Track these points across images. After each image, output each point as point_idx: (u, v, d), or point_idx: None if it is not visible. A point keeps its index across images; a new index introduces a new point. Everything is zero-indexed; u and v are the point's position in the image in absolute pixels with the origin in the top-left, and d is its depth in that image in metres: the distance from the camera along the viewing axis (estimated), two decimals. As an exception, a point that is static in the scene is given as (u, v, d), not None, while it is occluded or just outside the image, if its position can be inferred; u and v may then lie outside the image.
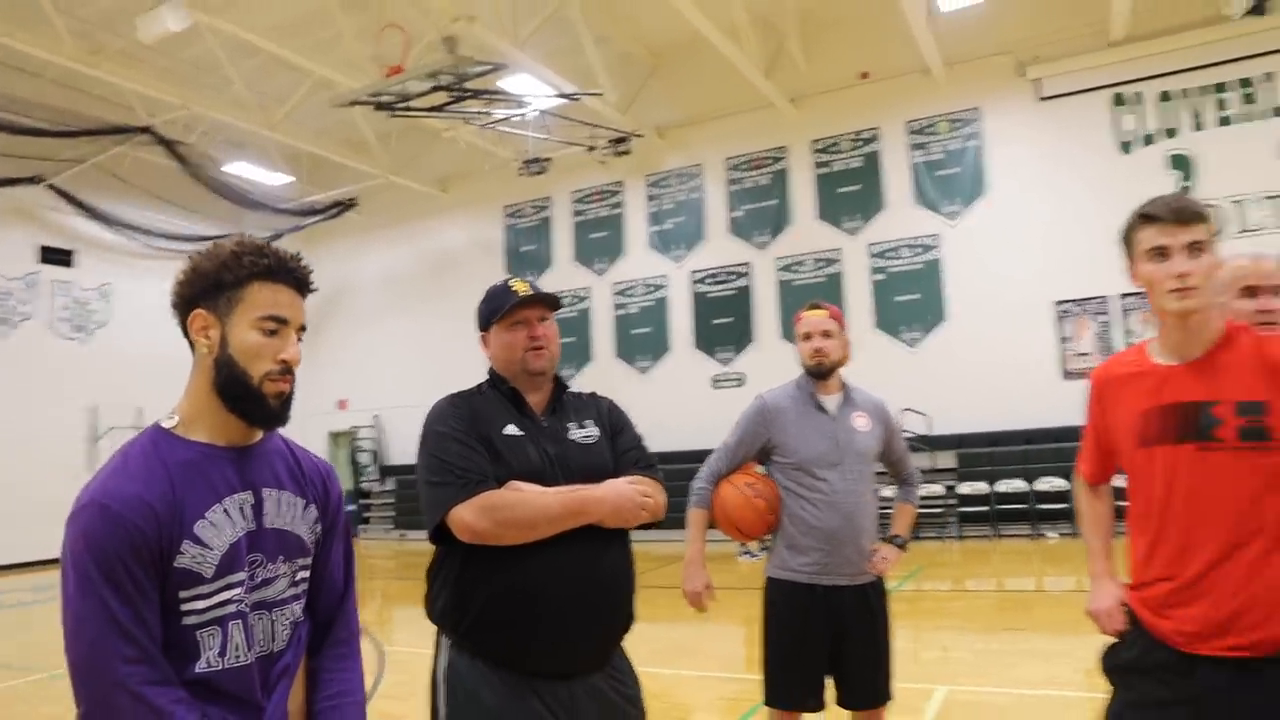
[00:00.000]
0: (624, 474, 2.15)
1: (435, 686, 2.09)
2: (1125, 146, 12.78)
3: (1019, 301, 12.92)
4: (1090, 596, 2.20)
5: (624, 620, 2.16)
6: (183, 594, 1.39)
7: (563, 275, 15.95)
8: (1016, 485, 12.21)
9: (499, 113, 12.18)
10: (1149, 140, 12.68)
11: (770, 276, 14.61)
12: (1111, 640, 2.13)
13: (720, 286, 14.87)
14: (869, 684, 3.01)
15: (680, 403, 14.21)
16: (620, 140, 14.33)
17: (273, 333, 1.49)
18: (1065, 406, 12.37)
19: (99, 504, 1.36)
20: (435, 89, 9.78)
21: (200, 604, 1.41)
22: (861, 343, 13.20)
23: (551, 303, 2.24)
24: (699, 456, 3.41)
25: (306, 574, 1.57)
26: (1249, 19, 10.98)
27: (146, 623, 1.35)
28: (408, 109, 10.26)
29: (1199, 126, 12.45)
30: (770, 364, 13.80)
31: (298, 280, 1.52)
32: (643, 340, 15.38)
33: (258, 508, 1.50)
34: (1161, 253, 2.00)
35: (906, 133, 13.88)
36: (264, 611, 1.49)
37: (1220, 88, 12.32)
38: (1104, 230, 13.03)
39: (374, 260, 18.20)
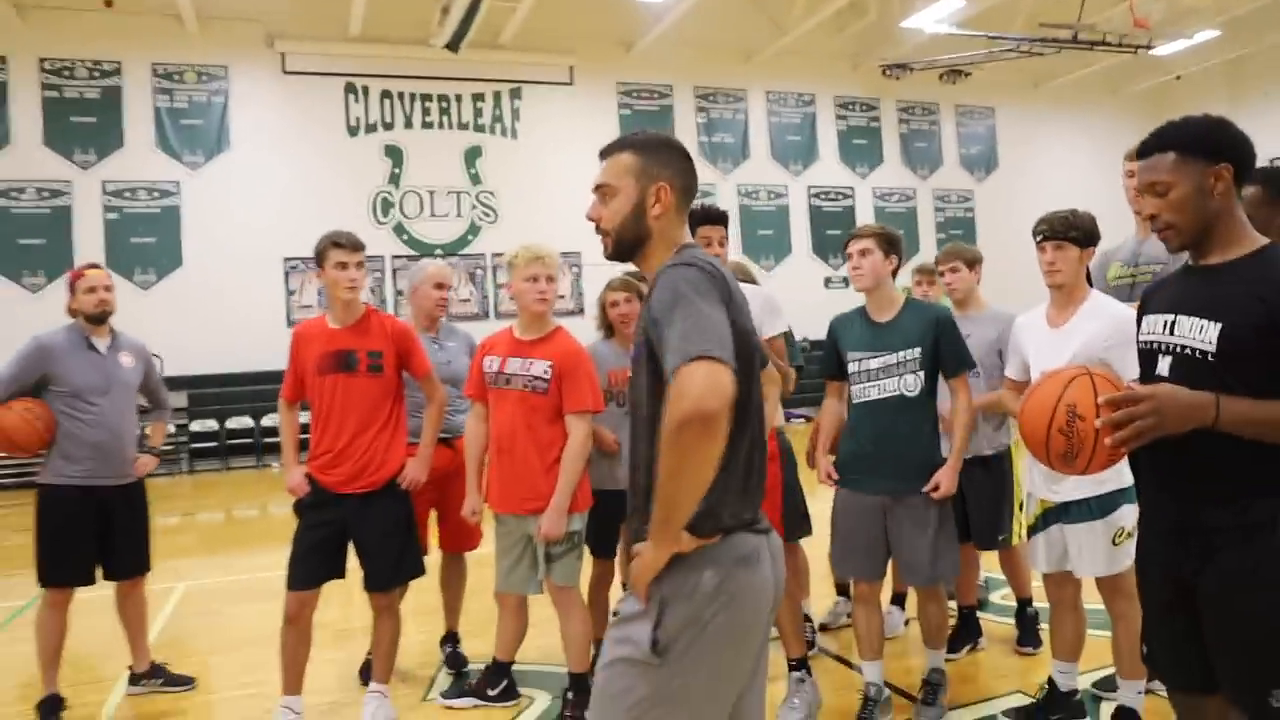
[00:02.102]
0: None
1: None
2: (353, 130, 14.86)
3: (254, 254, 14.05)
4: (286, 478, 3.58)
5: None
6: None
7: None
8: (245, 422, 13.43)
9: None
10: (371, 129, 14.96)
11: (-19, 200, 13.17)
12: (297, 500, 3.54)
13: (-85, 204, 12.86)
14: (135, 558, 3.98)
15: None
16: None
17: None
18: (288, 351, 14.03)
19: None
20: None
21: None
22: (93, 282, 12.94)
23: None
24: None
25: None
26: (447, 52, 13.87)
27: None
28: None
29: (409, 125, 15.15)
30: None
31: None
32: None
33: None
34: (343, 265, 3.43)
35: (152, 75, 13.84)
36: None
37: (427, 98, 15.18)
38: (332, 197, 14.94)
39: None
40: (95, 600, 4.06)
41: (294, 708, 3.46)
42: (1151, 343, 2.11)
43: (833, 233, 17.46)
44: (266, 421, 13.46)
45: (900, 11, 15.26)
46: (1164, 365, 2.05)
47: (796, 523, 3.87)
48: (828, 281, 16.92)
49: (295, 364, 3.59)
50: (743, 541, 1.77)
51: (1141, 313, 2.21)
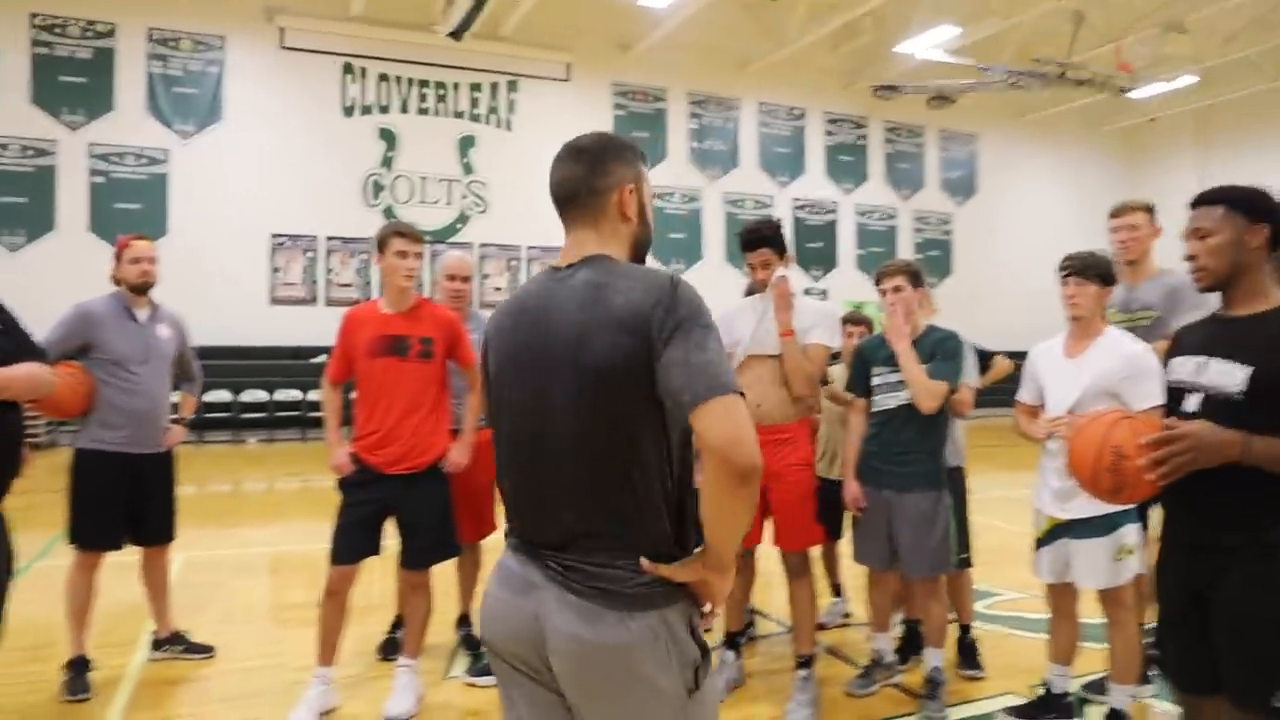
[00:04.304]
0: (23, 360, 2.86)
1: None
2: (348, 111, 14.86)
3: (240, 228, 14.01)
4: (330, 456, 3.68)
5: (17, 470, 2.88)
6: None
7: None
8: (222, 396, 13.34)
9: None
10: (366, 110, 14.96)
11: (-39, 153, 12.96)
12: (341, 476, 3.65)
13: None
14: (164, 525, 4.07)
15: None
16: None
17: None
18: (272, 328, 13.99)
19: None
20: None
21: None
22: (80, 246, 12.84)
23: None
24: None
25: None
26: (449, 40, 13.93)
27: None
28: None
29: (405, 110, 15.17)
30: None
31: None
32: None
33: None
34: (403, 254, 3.57)
35: (147, 40, 13.73)
36: None
37: (424, 84, 15.22)
38: (324, 176, 14.92)
39: None
40: (114, 565, 4.13)
41: (326, 679, 3.58)
42: (1181, 382, 2.34)
43: (814, 245, 17.78)
44: (245, 397, 13.43)
45: (895, 35, 15.60)
46: (1192, 402, 2.29)
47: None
48: (807, 292, 17.19)
49: (344, 345, 3.70)
50: (503, 553, 1.76)
51: (1170, 354, 2.45)
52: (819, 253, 17.85)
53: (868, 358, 3.85)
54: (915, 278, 3.78)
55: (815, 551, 4.75)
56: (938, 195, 19.32)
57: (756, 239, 3.81)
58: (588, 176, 1.73)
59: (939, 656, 3.72)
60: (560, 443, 1.63)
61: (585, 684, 1.60)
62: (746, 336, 3.77)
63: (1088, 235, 16.56)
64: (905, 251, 18.63)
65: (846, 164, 18.32)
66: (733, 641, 3.94)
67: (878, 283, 3.85)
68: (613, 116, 16.39)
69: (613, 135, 1.81)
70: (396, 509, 3.59)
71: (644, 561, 1.58)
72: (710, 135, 17.22)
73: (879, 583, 3.90)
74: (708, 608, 1.65)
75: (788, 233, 3.99)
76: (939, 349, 3.69)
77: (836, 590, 4.93)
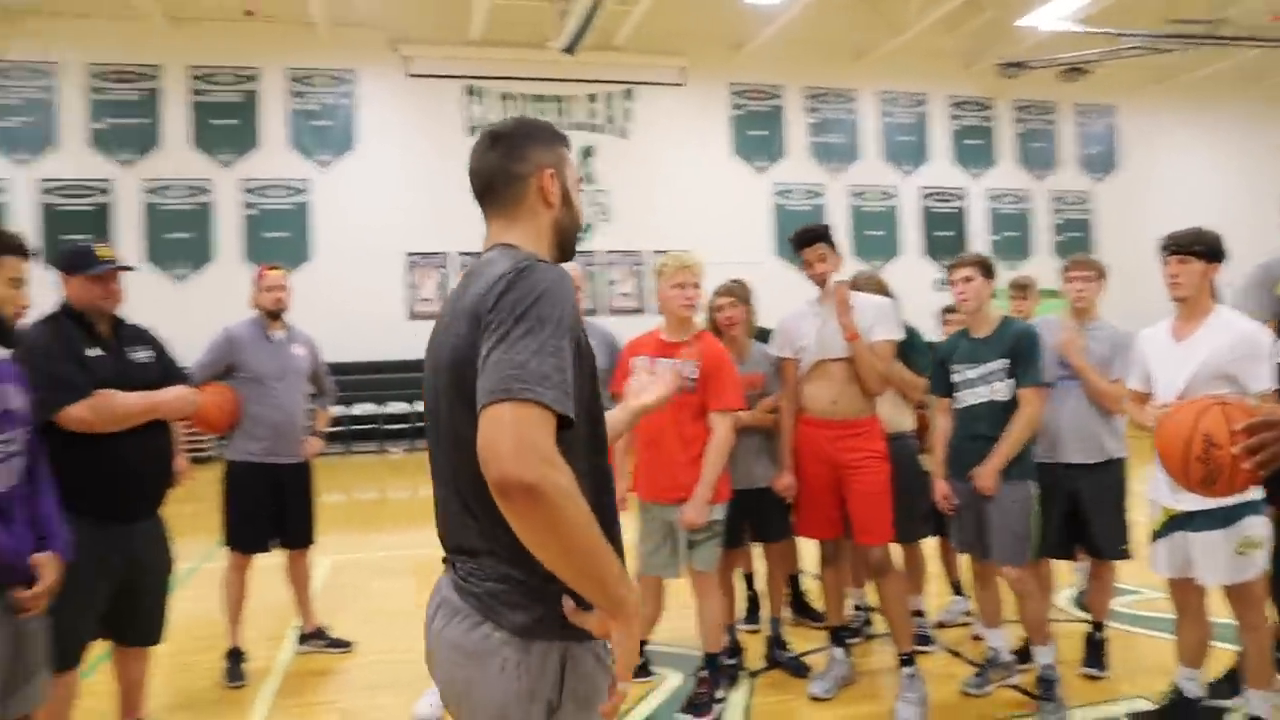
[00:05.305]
0: (171, 384, 3.19)
1: None
2: (472, 130, 15.41)
3: (378, 248, 14.77)
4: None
5: (170, 481, 3.23)
6: None
7: None
8: (367, 409, 14.11)
9: None
10: (490, 129, 15.49)
11: (135, 197, 14.19)
12: None
13: (75, 200, 13.94)
14: (304, 529, 4.42)
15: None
16: (-50, 13, 12.50)
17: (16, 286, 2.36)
18: (410, 342, 14.67)
19: None
20: None
21: None
22: (236, 274, 13.84)
23: (127, 268, 3.16)
24: None
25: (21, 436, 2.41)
26: (563, 55, 14.28)
27: None
28: None
29: (526, 125, 15.62)
30: (132, 287, 13.54)
31: (26, 252, 2.40)
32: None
33: None
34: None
35: (286, 79, 14.68)
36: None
37: (541, 98, 15.66)
38: (451, 195, 15.31)
39: None
40: (267, 567, 4.51)
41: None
42: None
43: (944, 234, 17.25)
44: (388, 409, 14.15)
45: (1018, 9, 14.97)
46: None
47: (912, 525, 4.09)
48: (939, 283, 16.70)
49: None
50: None
51: None
52: (949, 241, 17.27)
53: (945, 357, 3.88)
54: (986, 269, 3.77)
55: (930, 550, 4.73)
56: (1075, 173, 18.38)
57: (811, 236, 3.95)
58: (504, 163, 1.62)
59: (1047, 654, 3.62)
60: (443, 446, 1.53)
61: (444, 692, 1.53)
62: (812, 343, 3.80)
63: (1257, 202, 15.37)
64: (1042, 234, 17.83)
65: (974, 148, 17.69)
66: (839, 638, 3.94)
67: (949, 274, 3.86)
68: (729, 117, 16.41)
69: (531, 119, 1.72)
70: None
71: (566, 604, 1.41)
72: (830, 129, 16.98)
73: (984, 577, 3.85)
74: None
75: (915, 222, 4.03)
76: (1020, 348, 3.62)
77: (956, 588, 4.84)
